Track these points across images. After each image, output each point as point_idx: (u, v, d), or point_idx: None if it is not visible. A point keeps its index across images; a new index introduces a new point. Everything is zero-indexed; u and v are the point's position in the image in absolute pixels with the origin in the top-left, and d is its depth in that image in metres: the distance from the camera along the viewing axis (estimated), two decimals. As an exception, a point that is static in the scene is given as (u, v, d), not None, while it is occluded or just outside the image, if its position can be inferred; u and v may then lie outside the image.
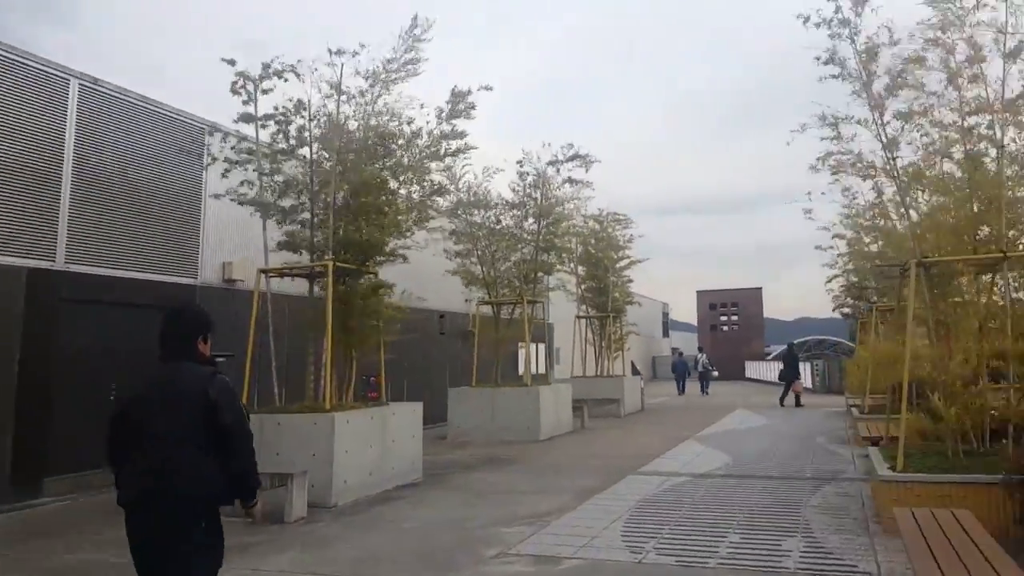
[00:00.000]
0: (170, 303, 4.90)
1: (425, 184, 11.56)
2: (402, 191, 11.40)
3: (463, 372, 18.05)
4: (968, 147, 7.61)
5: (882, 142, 7.83)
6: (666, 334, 62.74)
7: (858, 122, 7.89)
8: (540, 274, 18.29)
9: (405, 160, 11.03)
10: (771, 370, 46.13)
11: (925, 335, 7.62)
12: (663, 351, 59.12)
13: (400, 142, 11.01)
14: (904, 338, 7.59)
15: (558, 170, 17.42)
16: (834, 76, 7.84)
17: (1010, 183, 7.30)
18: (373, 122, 10.67)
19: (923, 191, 7.97)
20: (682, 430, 16.64)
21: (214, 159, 10.80)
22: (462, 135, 11.89)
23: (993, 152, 7.44)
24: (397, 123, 10.92)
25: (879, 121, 7.81)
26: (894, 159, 7.78)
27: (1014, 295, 7.45)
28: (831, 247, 20.87)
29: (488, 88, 11.58)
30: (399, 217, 10.98)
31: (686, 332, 71.36)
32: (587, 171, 17.35)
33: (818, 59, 7.92)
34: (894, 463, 6.91)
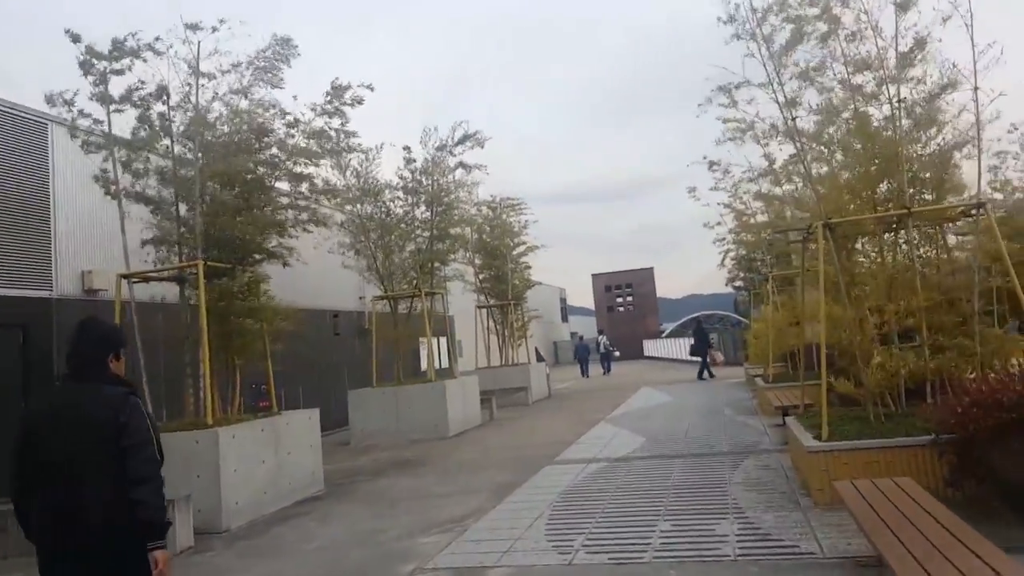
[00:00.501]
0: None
1: (306, 180, 10.58)
2: (280, 186, 10.43)
3: (363, 373, 17.11)
4: (859, 103, 7.56)
5: (779, 103, 7.62)
6: (565, 319, 63.38)
7: (758, 84, 7.68)
8: (436, 265, 17.57)
9: (282, 154, 10.06)
10: (668, 347, 47.43)
11: (832, 299, 7.50)
12: (563, 336, 59.69)
13: (277, 134, 10.03)
14: (809, 303, 7.43)
15: (451, 153, 16.73)
16: (736, 36, 7.58)
17: (907, 138, 7.23)
18: (244, 108, 9.65)
19: (825, 150, 7.84)
20: (593, 413, 16.42)
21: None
22: (349, 132, 11.15)
23: (887, 109, 7.38)
24: (271, 114, 9.94)
25: (777, 80, 7.61)
26: (794, 119, 7.60)
27: (919, 252, 7.45)
28: (718, 223, 21.41)
29: (370, 87, 10.87)
30: (278, 215, 10.04)
31: (584, 316, 72.49)
32: (482, 147, 16.71)
33: (719, 19, 7.66)
34: (817, 432, 6.72)
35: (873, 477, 6.06)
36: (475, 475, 9.99)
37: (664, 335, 55.39)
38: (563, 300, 63.59)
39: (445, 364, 29.82)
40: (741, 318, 50.78)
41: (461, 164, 16.98)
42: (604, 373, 33.98)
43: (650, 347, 52.96)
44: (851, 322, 7.06)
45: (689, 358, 39.93)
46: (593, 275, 63.53)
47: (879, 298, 7.10)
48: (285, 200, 10.42)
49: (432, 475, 10.36)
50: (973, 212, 7.01)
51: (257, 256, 9.79)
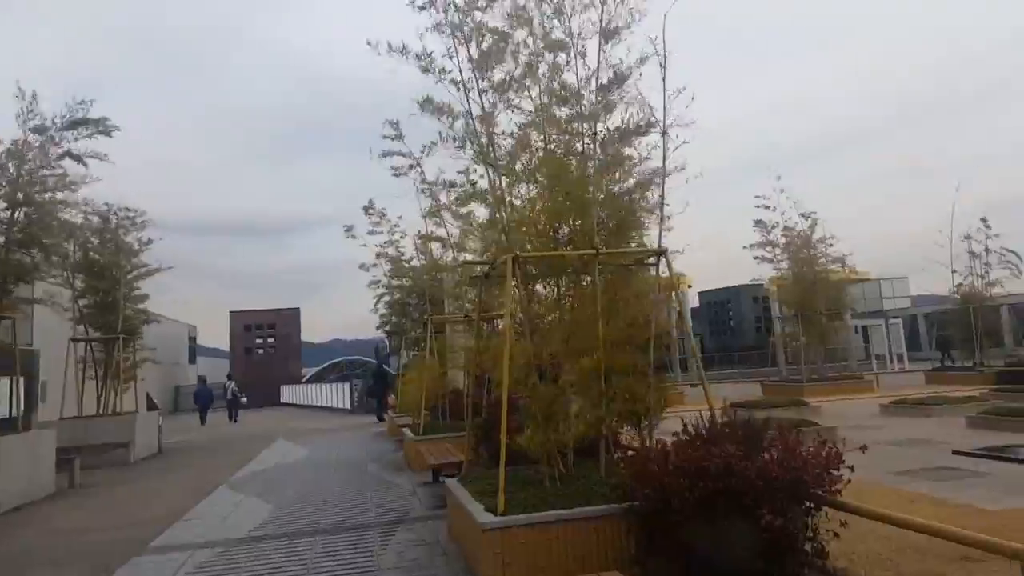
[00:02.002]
0: None
1: None
2: None
3: None
4: (555, 135, 6.93)
5: (472, 118, 6.64)
6: (193, 360, 56.64)
7: (452, 81, 6.56)
8: (14, 281, 13.33)
9: None
10: (309, 394, 44.81)
11: (516, 341, 6.60)
12: (190, 379, 53.11)
13: None
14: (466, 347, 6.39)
15: (53, 139, 12.89)
16: (436, 28, 6.41)
17: (597, 176, 6.70)
18: None
19: (518, 181, 7.01)
20: (212, 474, 13.64)
21: None
22: None
23: (584, 144, 6.84)
24: None
25: (476, 87, 6.62)
26: (491, 140, 6.64)
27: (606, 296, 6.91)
28: (375, 264, 20.44)
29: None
30: None
31: (217, 358, 65.92)
32: (110, 136, 13.17)
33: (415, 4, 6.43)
34: (491, 502, 5.54)
35: (554, 556, 5.05)
36: (18, 580, 6.91)
37: (304, 380, 52.52)
38: (192, 338, 56.87)
39: (16, 411, 23.69)
40: (381, 364, 50.66)
41: (69, 154, 13.18)
42: (230, 421, 31.29)
43: (290, 393, 49.72)
44: (530, 367, 6.15)
45: (332, 405, 38.11)
46: (232, 312, 58.25)
47: (556, 343, 6.33)
48: None
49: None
50: (653, 259, 6.72)
51: None
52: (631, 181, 6.92)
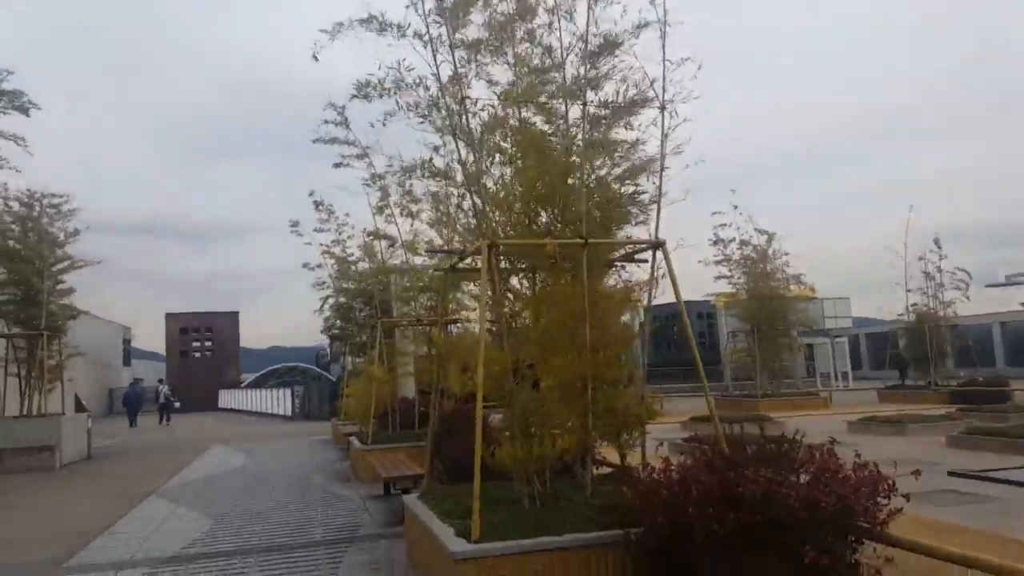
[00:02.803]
0: None
1: None
2: None
3: None
4: (536, 112, 6.41)
5: (441, 82, 5.98)
6: (127, 362, 54.13)
7: (416, 35, 5.90)
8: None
9: None
10: (248, 399, 43.18)
11: (493, 342, 6.02)
12: (124, 382, 50.62)
13: None
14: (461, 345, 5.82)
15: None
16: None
17: (585, 156, 6.15)
18: None
19: (490, 156, 6.41)
20: (143, 482, 12.64)
21: None
22: None
23: (574, 116, 6.26)
24: None
25: (439, 54, 5.98)
26: (463, 107, 5.99)
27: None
28: (320, 265, 19.62)
29: None
30: None
31: (153, 360, 63.19)
32: (26, 114, 12.13)
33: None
34: (463, 526, 4.94)
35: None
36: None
37: (243, 386, 50.68)
38: (127, 340, 54.36)
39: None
40: (322, 371, 49.32)
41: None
42: (160, 422, 31.76)
43: (228, 398, 47.90)
44: (506, 371, 5.58)
45: (272, 412, 36.72)
46: (168, 313, 55.92)
47: (534, 344, 5.78)
48: None
49: None
50: (648, 251, 6.18)
51: None
52: (620, 168, 6.40)
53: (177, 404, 36.75)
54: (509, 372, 5.61)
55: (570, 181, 5.99)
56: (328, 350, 39.47)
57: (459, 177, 6.72)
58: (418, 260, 14.30)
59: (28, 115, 12.05)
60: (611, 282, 6.57)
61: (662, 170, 6.31)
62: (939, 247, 23.24)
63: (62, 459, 16.19)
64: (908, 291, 23.55)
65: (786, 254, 21.70)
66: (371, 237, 13.91)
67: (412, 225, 12.40)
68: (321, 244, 18.68)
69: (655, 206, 6.27)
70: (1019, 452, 10.73)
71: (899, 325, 24.82)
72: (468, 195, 6.50)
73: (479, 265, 5.86)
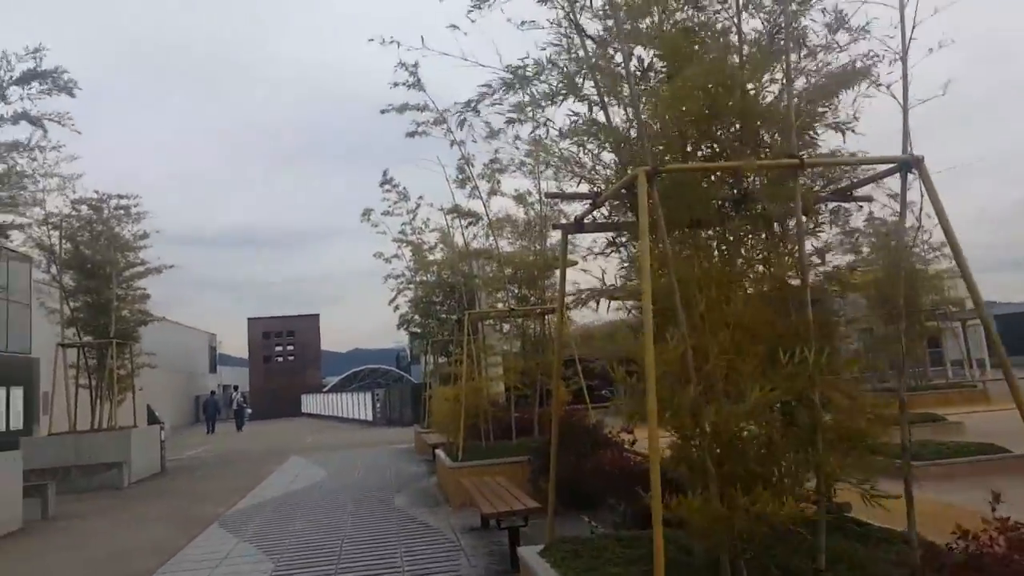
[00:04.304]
0: None
1: None
2: None
3: None
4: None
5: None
6: (213, 369, 54.73)
7: None
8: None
9: None
10: (330, 404, 42.50)
11: (662, 320, 4.04)
12: (209, 389, 51.25)
13: None
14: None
15: (2, 97, 10.61)
16: None
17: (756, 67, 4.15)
18: None
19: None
20: (209, 503, 11.26)
21: None
22: None
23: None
24: None
25: None
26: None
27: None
28: (395, 255, 18.10)
29: None
30: None
31: (239, 367, 63.98)
32: (72, 95, 10.83)
33: None
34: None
35: None
36: None
37: (325, 390, 50.25)
38: (213, 348, 54.94)
39: (18, 424, 21.55)
40: (403, 373, 48.24)
41: (25, 116, 10.88)
42: (238, 430, 32.96)
43: (310, 403, 47.56)
44: (684, 377, 3.58)
45: (353, 416, 35.71)
46: (250, 319, 56.28)
47: (722, 335, 3.76)
48: None
49: None
50: (901, 173, 4.12)
51: None
52: (818, 76, 4.33)
53: (250, 411, 39.48)
54: (692, 375, 3.58)
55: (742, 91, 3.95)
56: (408, 350, 38.29)
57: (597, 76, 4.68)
58: (504, 245, 12.48)
59: (73, 95, 10.72)
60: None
61: (905, 59, 4.19)
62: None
63: (131, 476, 15.10)
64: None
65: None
66: (452, 215, 12.07)
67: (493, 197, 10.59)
68: (392, 235, 17.17)
69: (906, 94, 4.11)
70: None
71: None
72: (610, 100, 4.51)
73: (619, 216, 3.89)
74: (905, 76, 4.45)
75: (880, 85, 4.55)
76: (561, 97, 4.86)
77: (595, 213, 5.09)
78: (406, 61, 10.33)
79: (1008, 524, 3.40)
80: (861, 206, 4.96)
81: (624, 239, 4.71)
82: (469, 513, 8.70)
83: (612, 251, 4.80)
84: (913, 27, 4.35)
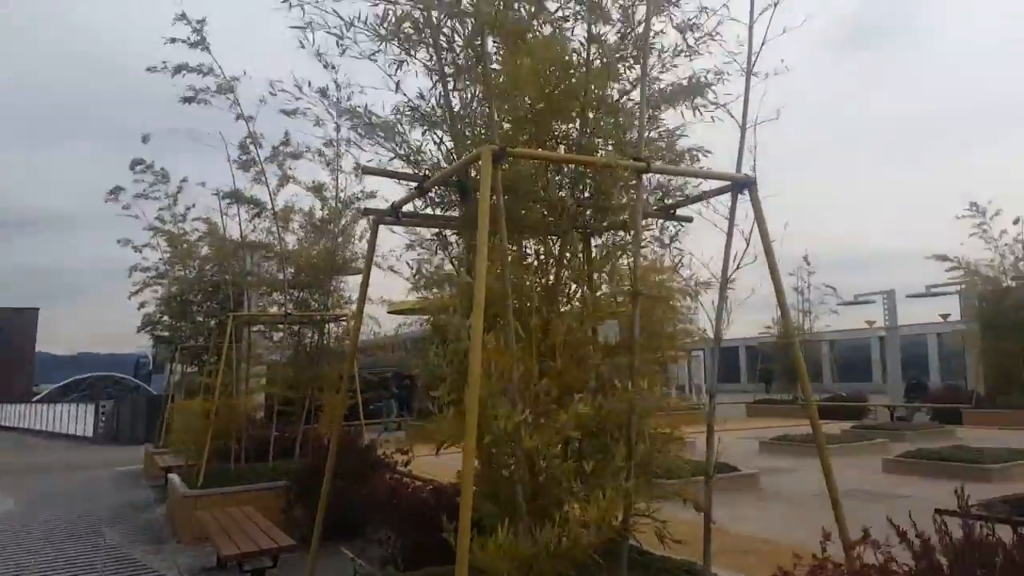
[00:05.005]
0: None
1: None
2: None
3: None
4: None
5: None
6: None
7: None
8: None
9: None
10: (40, 415, 36.08)
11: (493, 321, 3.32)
12: None
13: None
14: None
15: None
16: None
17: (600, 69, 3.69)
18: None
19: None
20: None
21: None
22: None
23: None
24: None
25: None
26: None
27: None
28: (148, 244, 15.58)
29: None
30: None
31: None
32: None
33: None
34: None
35: None
36: None
37: (36, 399, 42.82)
38: None
39: None
40: (140, 383, 42.82)
41: None
42: None
43: (12, 413, 40.20)
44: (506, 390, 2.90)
45: (74, 433, 30.54)
46: (-60, 309, 46.83)
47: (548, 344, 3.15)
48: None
49: None
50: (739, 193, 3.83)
51: None
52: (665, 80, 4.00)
53: None
54: (517, 396, 2.91)
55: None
56: (151, 357, 33.75)
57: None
58: (290, 240, 11.05)
59: None
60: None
61: (749, 69, 4.01)
62: (808, 263, 23.08)
63: None
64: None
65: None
66: (229, 201, 10.34)
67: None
68: (148, 224, 14.73)
69: (744, 123, 3.91)
70: (980, 479, 9.30)
71: (762, 341, 25.65)
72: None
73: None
74: (747, 94, 4.35)
75: (719, 105, 4.40)
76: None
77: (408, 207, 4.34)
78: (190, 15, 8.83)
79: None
80: (682, 226, 4.78)
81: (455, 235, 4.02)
82: (204, 550, 7.23)
83: (438, 247, 4.06)
84: (762, 44, 4.23)
